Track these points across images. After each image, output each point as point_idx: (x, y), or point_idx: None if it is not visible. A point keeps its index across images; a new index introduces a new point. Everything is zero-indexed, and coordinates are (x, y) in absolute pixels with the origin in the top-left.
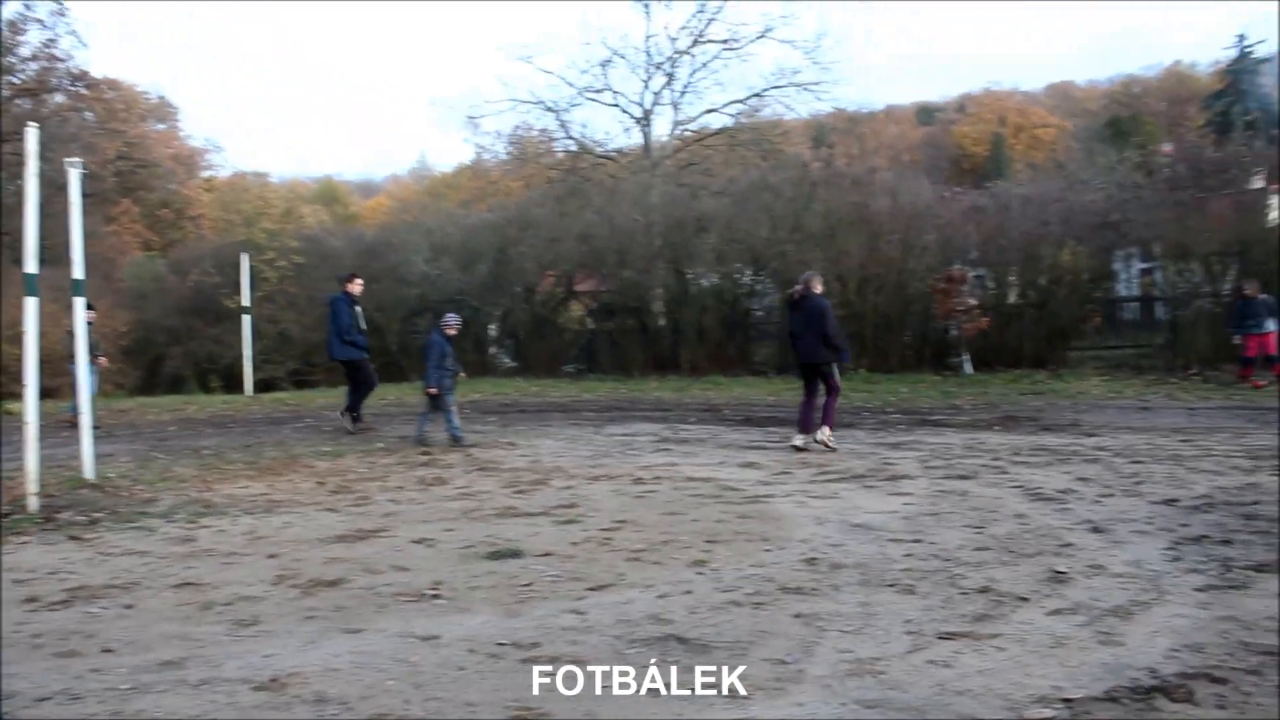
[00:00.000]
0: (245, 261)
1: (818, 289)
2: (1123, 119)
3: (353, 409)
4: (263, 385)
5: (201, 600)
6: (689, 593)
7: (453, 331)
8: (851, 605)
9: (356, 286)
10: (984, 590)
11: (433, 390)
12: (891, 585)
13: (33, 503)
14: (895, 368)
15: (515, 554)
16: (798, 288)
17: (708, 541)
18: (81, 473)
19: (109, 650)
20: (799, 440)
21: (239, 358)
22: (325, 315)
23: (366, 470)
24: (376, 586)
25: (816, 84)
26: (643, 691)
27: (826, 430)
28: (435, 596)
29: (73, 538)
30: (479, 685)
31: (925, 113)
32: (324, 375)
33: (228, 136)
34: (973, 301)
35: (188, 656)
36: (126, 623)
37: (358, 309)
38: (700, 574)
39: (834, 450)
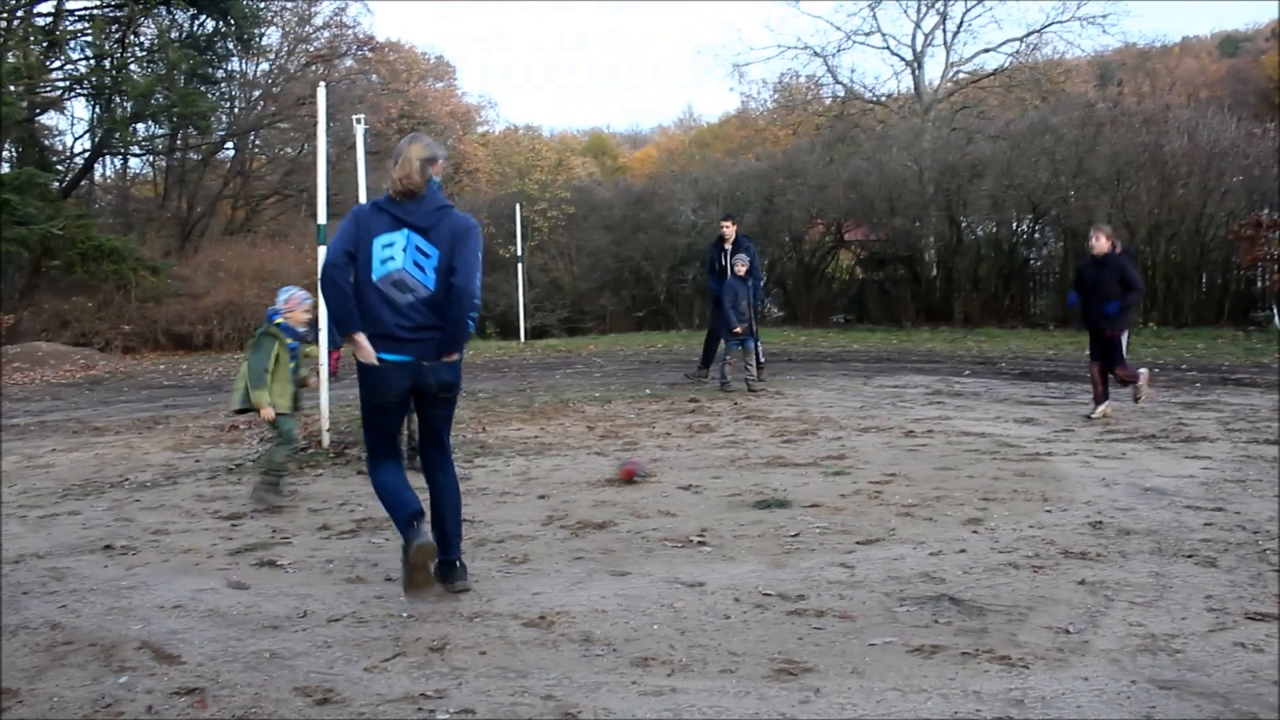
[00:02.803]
0: (518, 212)
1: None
2: None
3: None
4: (535, 332)
5: (476, 537)
6: (963, 552)
7: (742, 270)
8: (1143, 575)
9: (726, 229)
10: None
11: (737, 330)
12: (1189, 556)
13: (325, 439)
14: (1190, 322)
15: (783, 504)
16: None
17: (983, 499)
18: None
19: (390, 579)
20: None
21: (513, 305)
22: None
23: (635, 416)
24: (643, 531)
25: (1103, 17)
26: (912, 652)
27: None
28: (701, 543)
29: (360, 472)
30: (744, 635)
31: (1229, 43)
32: (594, 323)
33: (500, 92)
34: None
35: (461, 590)
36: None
37: (727, 249)
38: (975, 533)
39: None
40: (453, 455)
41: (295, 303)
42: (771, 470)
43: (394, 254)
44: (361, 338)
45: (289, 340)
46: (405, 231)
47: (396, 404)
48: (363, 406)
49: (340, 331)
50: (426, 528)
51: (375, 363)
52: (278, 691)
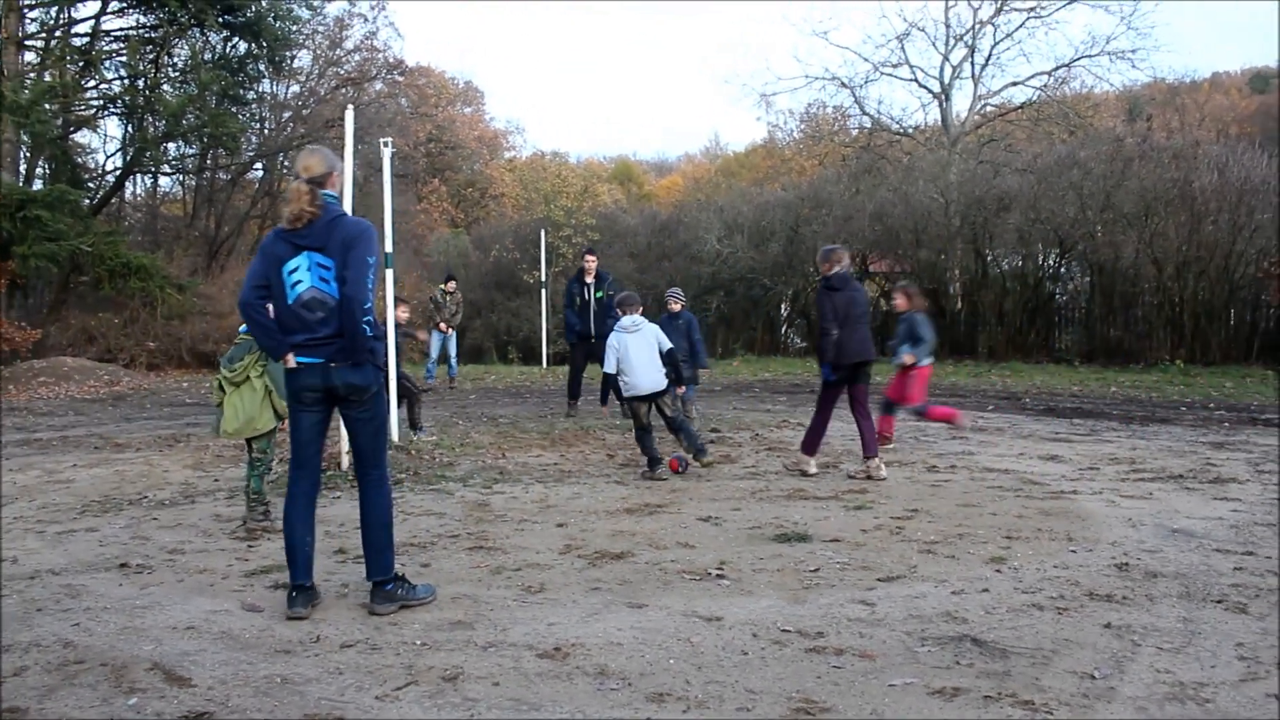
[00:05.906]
0: (543, 238)
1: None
2: None
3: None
4: (558, 358)
5: (492, 564)
6: (986, 591)
7: (676, 307)
8: (1171, 620)
9: (589, 262)
10: None
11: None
12: (1219, 602)
13: (345, 461)
14: (1217, 360)
15: (803, 538)
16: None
17: (1006, 537)
18: (389, 436)
19: (406, 607)
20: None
21: (536, 330)
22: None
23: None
24: (661, 562)
25: (1133, 52)
26: (933, 694)
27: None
28: (720, 576)
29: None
30: (761, 672)
31: (1259, 80)
32: None
33: (528, 118)
34: None
35: (477, 619)
36: (422, 581)
37: (589, 282)
38: (998, 572)
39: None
40: (389, 474)
41: None
42: (792, 503)
43: (301, 276)
44: (290, 356)
45: None
46: (305, 254)
47: (311, 404)
48: (289, 411)
49: (273, 357)
50: (302, 608)
51: (294, 366)
52: (287, 717)
